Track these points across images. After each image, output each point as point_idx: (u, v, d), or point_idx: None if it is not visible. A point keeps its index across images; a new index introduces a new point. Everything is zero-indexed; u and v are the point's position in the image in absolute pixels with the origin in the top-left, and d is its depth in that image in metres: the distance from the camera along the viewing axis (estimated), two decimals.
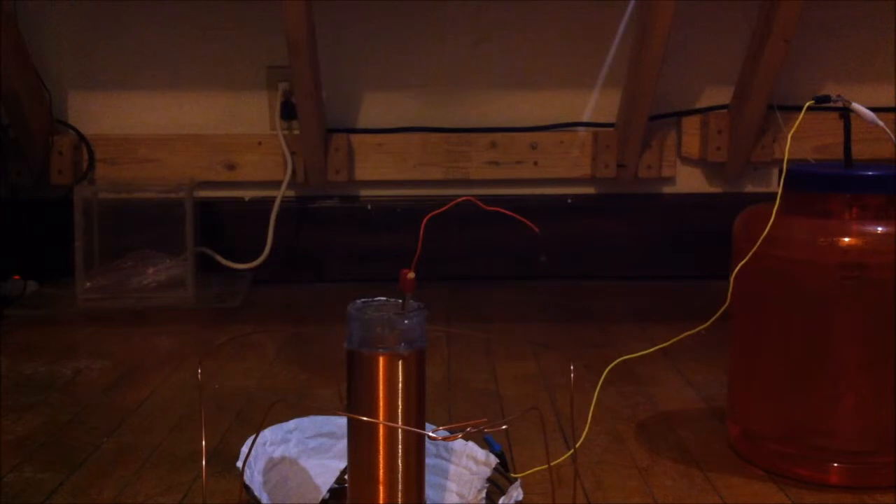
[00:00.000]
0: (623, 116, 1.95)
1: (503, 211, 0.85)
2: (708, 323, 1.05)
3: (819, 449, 1.02)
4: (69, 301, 1.81)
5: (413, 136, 1.98)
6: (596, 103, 2.00)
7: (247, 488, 0.87)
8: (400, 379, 0.82)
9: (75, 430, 1.19)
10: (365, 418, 0.83)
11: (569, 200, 2.02)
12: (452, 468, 0.95)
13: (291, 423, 0.98)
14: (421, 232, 0.79)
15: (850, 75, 1.98)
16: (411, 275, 0.82)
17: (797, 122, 1.03)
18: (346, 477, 0.90)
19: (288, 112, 1.95)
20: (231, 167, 1.98)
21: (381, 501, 0.84)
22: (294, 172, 1.96)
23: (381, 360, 0.82)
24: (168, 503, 0.99)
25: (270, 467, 0.94)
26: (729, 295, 1.06)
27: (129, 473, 1.06)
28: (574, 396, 1.17)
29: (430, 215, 0.81)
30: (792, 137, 1.05)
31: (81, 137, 1.96)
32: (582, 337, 1.60)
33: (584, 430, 1.09)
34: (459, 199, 0.85)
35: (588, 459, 1.09)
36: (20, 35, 1.86)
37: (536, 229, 0.84)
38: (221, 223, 2.00)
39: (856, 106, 1.05)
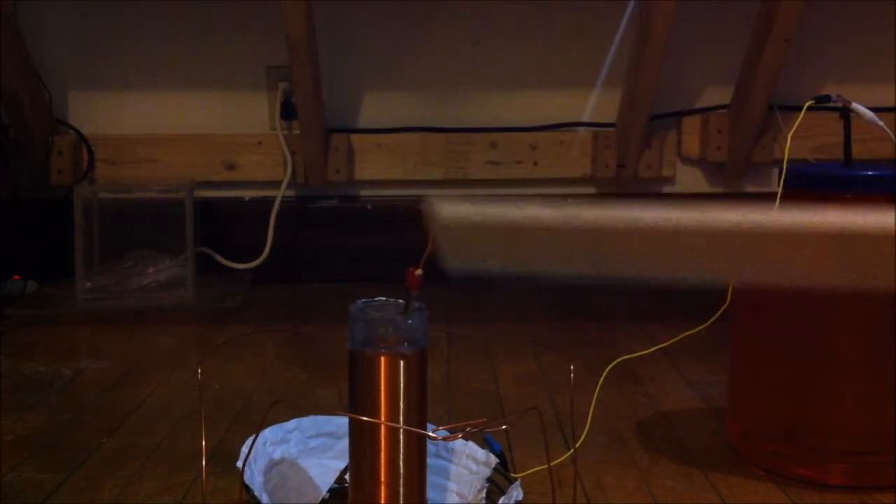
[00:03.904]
0: (623, 116, 1.95)
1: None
2: (708, 323, 1.05)
3: (819, 449, 1.02)
4: (69, 301, 1.81)
5: (413, 135, 1.98)
6: (596, 103, 2.00)
7: (247, 488, 0.87)
8: (401, 379, 0.82)
9: (75, 430, 1.19)
10: (366, 418, 0.83)
11: (569, 200, 2.02)
12: (452, 468, 0.95)
13: (291, 423, 0.98)
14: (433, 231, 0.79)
15: (850, 75, 1.98)
16: (419, 272, 0.82)
17: (797, 122, 1.03)
18: (346, 477, 0.90)
19: (288, 112, 1.94)
20: (231, 167, 1.98)
21: (382, 501, 0.84)
22: (294, 172, 1.96)
23: (382, 359, 0.82)
24: (168, 503, 0.99)
25: (270, 467, 0.94)
26: (729, 295, 1.06)
27: (129, 473, 1.06)
28: (574, 396, 1.17)
29: None
30: (792, 137, 1.05)
31: (81, 137, 1.96)
32: (582, 337, 1.60)
33: (584, 430, 1.09)
34: None
35: (588, 459, 1.09)
36: (20, 35, 1.86)
37: None
38: (221, 223, 2.00)
39: (856, 106, 1.05)
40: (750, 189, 2.02)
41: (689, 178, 2.03)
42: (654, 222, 0.59)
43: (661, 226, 0.59)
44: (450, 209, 0.66)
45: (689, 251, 0.59)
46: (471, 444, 0.96)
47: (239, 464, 0.86)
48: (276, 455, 0.96)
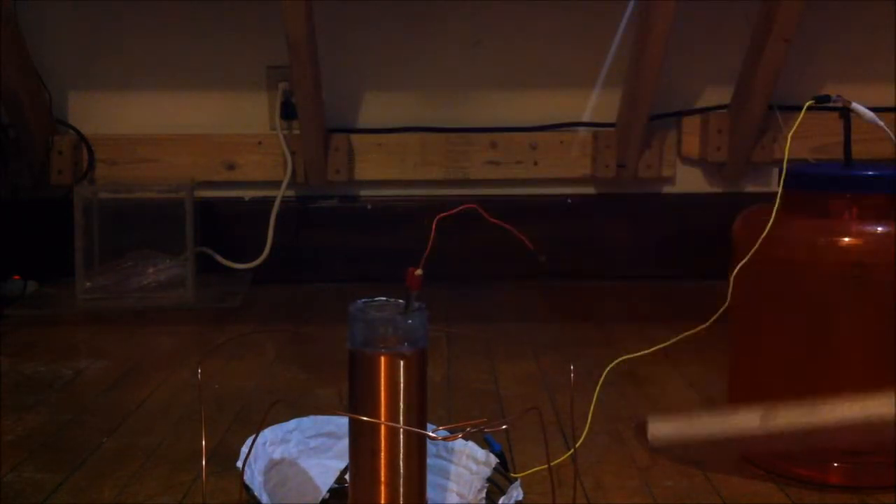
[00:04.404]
0: (623, 116, 1.95)
1: (505, 226, 0.84)
2: (708, 323, 1.05)
3: (819, 449, 1.02)
4: (69, 301, 1.81)
5: (413, 136, 1.98)
6: (596, 103, 2.00)
7: (247, 488, 0.87)
8: (401, 379, 0.82)
9: (75, 430, 1.19)
10: (366, 418, 0.83)
11: (569, 200, 2.02)
12: (452, 468, 0.95)
13: (291, 423, 0.98)
14: (432, 231, 0.79)
15: (850, 75, 1.98)
16: (419, 272, 0.82)
17: (797, 122, 1.03)
18: (346, 477, 0.90)
19: (288, 112, 1.94)
20: (231, 167, 1.98)
21: (382, 501, 0.84)
22: (294, 172, 1.96)
23: (382, 359, 0.82)
24: (168, 503, 0.99)
25: (270, 467, 0.94)
26: (729, 295, 1.06)
27: (129, 473, 1.06)
28: (574, 396, 1.17)
29: (440, 216, 0.81)
30: (792, 137, 1.05)
31: (81, 137, 1.96)
32: (582, 337, 1.60)
33: (584, 430, 1.09)
34: (466, 206, 0.85)
35: (588, 459, 1.09)
36: (20, 35, 1.86)
37: (531, 246, 0.84)
38: (221, 223, 2.00)
39: (856, 106, 1.05)
40: (750, 189, 2.02)
41: (689, 178, 2.03)
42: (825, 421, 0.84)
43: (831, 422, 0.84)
44: (662, 429, 0.85)
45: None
46: (471, 444, 0.96)
47: (239, 464, 0.86)
48: (276, 455, 0.96)
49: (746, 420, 0.83)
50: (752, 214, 1.07)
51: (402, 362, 0.82)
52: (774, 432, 0.82)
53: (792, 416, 0.84)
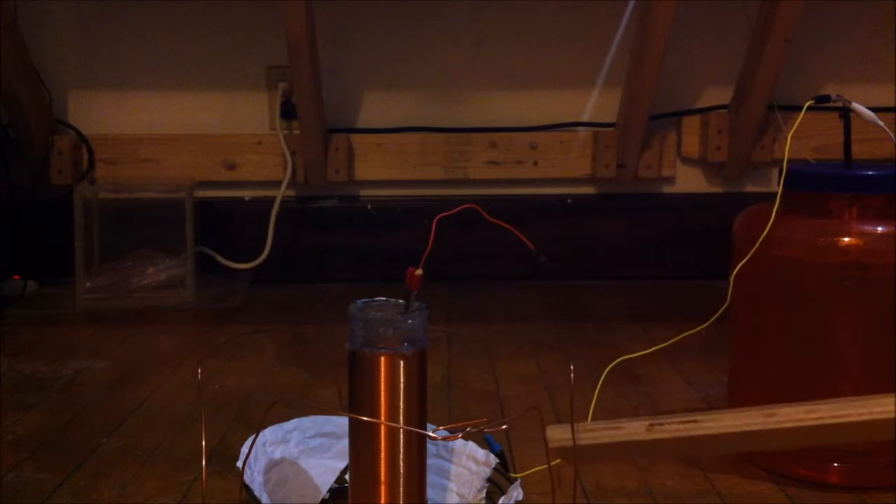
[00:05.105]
0: (623, 116, 1.95)
1: (505, 226, 0.84)
2: (708, 323, 1.05)
3: (819, 449, 1.02)
4: (69, 301, 1.81)
5: (413, 135, 1.98)
6: (596, 103, 2.00)
7: (247, 488, 0.87)
8: (402, 379, 0.82)
9: (75, 430, 1.19)
10: (366, 418, 0.83)
11: (569, 200, 2.02)
12: (453, 468, 0.95)
13: (291, 423, 0.98)
14: (432, 231, 0.79)
15: (850, 75, 1.98)
16: (419, 271, 0.82)
17: (797, 122, 1.03)
18: (346, 477, 0.90)
19: (288, 112, 1.95)
20: (231, 167, 1.98)
21: (382, 501, 0.84)
22: (294, 172, 1.96)
23: (382, 360, 0.82)
24: (168, 503, 0.99)
25: (270, 467, 0.94)
26: (729, 295, 1.06)
27: (129, 473, 1.06)
28: (574, 396, 1.17)
29: (440, 216, 0.81)
30: (792, 137, 1.05)
31: (81, 137, 1.96)
32: (582, 337, 1.60)
33: None
34: (466, 206, 0.85)
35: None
36: (20, 35, 1.86)
37: (531, 246, 0.84)
38: (221, 223, 2.00)
39: (856, 106, 1.05)
40: (750, 189, 2.02)
41: (689, 178, 2.03)
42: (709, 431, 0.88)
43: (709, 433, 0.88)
44: (560, 434, 0.89)
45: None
46: (471, 444, 0.96)
47: (239, 464, 0.86)
48: (276, 455, 0.96)
49: (635, 429, 0.90)
50: (752, 214, 1.07)
51: (402, 362, 0.82)
52: (661, 441, 0.89)
53: (676, 427, 0.91)
